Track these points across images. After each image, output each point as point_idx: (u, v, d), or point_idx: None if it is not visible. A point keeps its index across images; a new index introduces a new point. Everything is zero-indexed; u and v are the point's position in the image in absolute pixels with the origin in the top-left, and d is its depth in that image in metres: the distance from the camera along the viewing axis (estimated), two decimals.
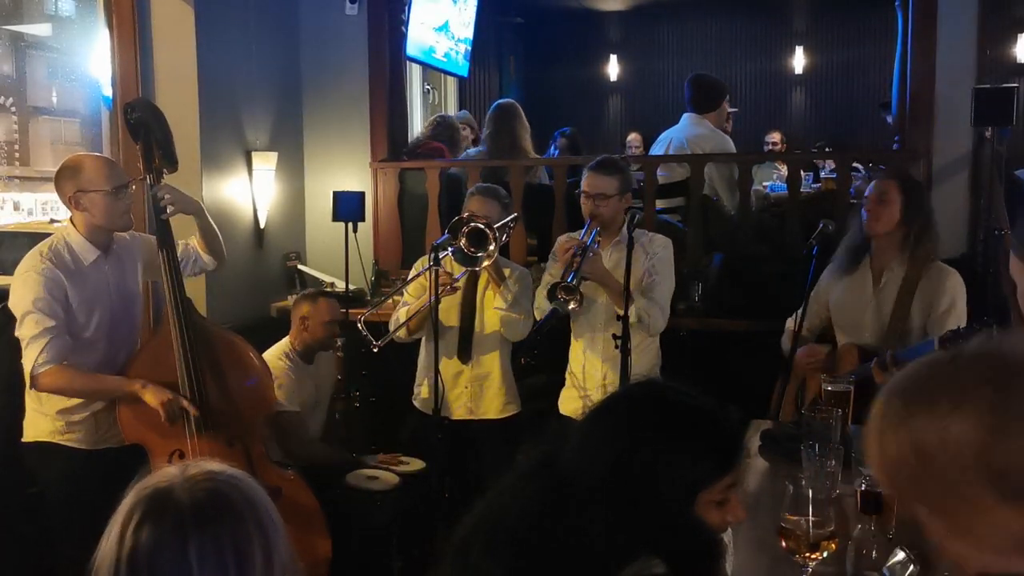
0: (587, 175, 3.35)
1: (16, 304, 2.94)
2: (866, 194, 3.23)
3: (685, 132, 5.09)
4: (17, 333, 2.93)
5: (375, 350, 3.41)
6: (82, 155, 3.10)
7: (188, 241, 3.32)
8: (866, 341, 3.18)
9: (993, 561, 0.93)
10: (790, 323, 3.38)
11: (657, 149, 5.25)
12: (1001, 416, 0.91)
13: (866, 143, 8.30)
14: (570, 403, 3.48)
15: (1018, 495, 0.90)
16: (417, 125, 6.90)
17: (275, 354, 3.79)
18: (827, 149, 7.49)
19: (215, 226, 3.33)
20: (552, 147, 6.89)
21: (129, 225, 3.12)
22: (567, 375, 3.52)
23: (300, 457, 3.64)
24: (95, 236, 3.04)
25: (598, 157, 3.47)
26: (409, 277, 3.66)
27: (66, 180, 2.99)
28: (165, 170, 3.17)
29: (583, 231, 3.28)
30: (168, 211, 3.12)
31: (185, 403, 2.97)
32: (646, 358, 3.36)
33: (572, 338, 3.49)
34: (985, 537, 0.93)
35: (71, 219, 3.05)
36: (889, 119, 5.75)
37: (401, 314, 3.60)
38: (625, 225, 3.27)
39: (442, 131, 5.59)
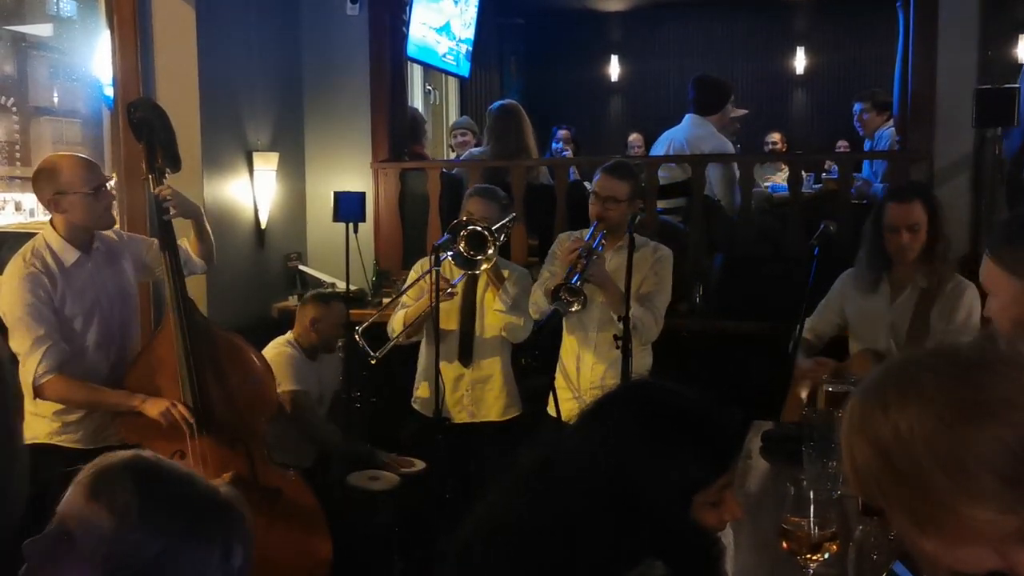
0: (600, 176, 3.27)
1: (5, 312, 2.91)
2: (887, 220, 3.01)
3: (685, 133, 5.07)
4: (11, 344, 2.88)
5: (373, 362, 3.41)
6: (57, 156, 3.05)
7: (180, 242, 3.29)
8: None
9: (964, 556, 0.93)
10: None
11: (658, 149, 5.23)
12: (947, 404, 0.91)
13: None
14: (558, 403, 3.39)
15: (977, 486, 0.89)
16: None
17: (279, 343, 3.82)
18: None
19: (210, 230, 3.32)
20: (554, 143, 6.86)
21: (111, 223, 3.10)
22: (556, 375, 3.45)
23: (318, 438, 3.63)
24: (75, 237, 3.01)
25: (612, 159, 3.42)
26: (407, 281, 3.65)
27: (44, 183, 2.95)
28: (168, 170, 3.15)
29: (588, 233, 3.24)
30: (170, 213, 3.11)
31: (183, 409, 2.96)
32: (639, 362, 3.31)
33: (564, 335, 3.43)
34: (952, 533, 0.92)
35: (51, 221, 3.02)
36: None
37: (397, 318, 3.58)
38: (626, 226, 3.25)
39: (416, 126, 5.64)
